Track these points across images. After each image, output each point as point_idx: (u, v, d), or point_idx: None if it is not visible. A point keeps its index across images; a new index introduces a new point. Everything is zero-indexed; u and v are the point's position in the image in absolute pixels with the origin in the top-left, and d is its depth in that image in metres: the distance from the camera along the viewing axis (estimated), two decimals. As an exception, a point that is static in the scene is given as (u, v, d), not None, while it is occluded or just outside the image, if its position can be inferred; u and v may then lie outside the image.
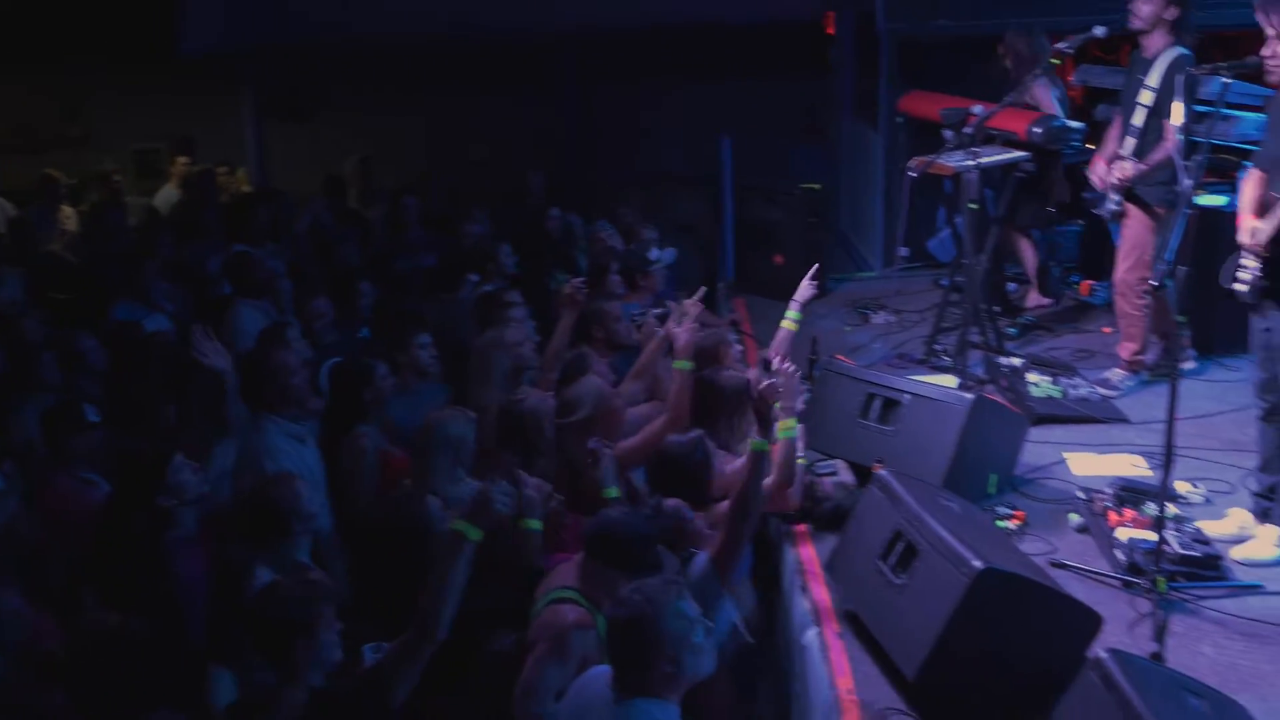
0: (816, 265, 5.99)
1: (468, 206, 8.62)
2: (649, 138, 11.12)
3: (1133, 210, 6.21)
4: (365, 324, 6.62)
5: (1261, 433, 4.88)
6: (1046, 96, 7.17)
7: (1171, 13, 5.94)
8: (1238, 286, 4.56)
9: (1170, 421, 4.28)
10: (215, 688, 3.77)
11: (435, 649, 3.44)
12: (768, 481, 4.47)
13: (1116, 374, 6.39)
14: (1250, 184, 4.67)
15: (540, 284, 7.45)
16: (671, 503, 4.24)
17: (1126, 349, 6.42)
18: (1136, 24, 6.00)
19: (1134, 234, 6.23)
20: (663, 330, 5.45)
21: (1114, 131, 6.37)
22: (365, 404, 5.25)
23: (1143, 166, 6.04)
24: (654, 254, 7.29)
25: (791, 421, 4.66)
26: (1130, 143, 6.12)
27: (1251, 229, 4.51)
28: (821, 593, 4.64)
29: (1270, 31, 4.40)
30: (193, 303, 7.10)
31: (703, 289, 5.88)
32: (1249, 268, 4.51)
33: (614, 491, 4.33)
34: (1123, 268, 6.30)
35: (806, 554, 4.94)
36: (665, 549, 3.98)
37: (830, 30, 10.27)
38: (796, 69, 10.53)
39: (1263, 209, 4.52)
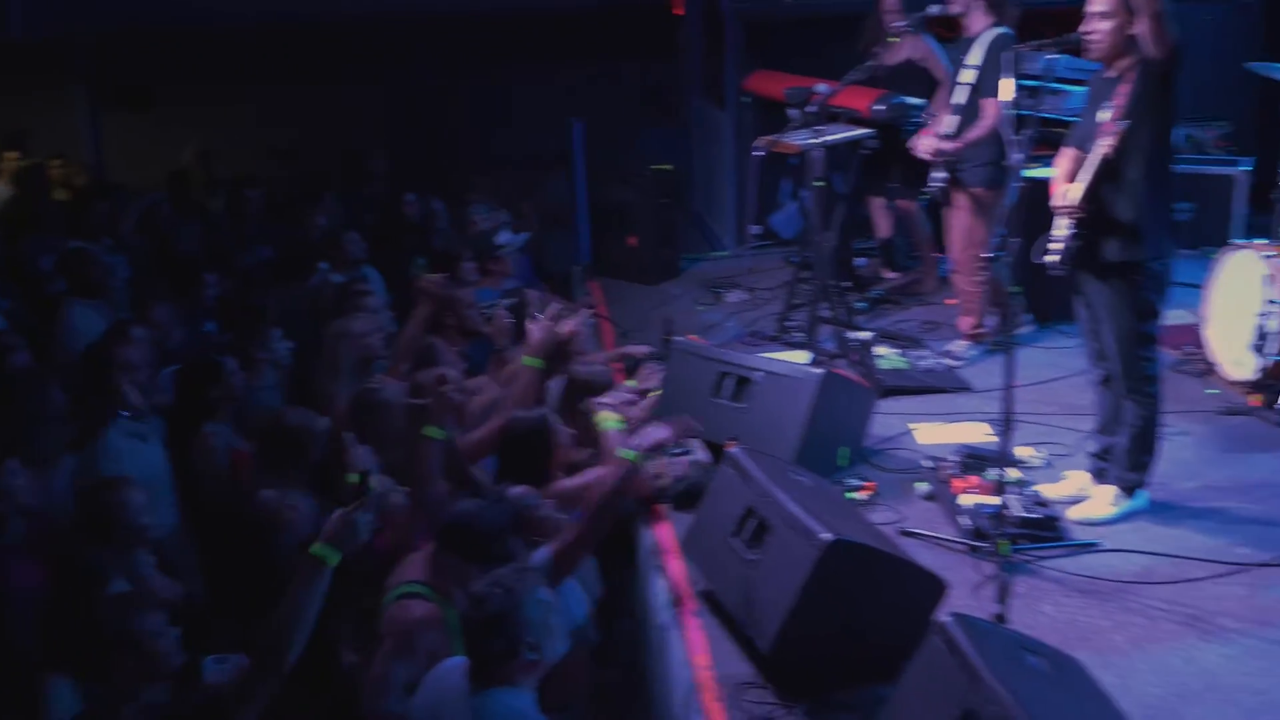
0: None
1: (315, 195, 8.45)
2: (502, 123, 11.03)
3: (959, 190, 6.39)
4: (210, 317, 6.44)
5: (1097, 396, 5.06)
6: (933, 55, 7.31)
7: None
8: (1048, 259, 4.69)
9: (1008, 389, 4.42)
10: (53, 700, 3.63)
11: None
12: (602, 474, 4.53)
13: (959, 345, 6.58)
14: (1063, 158, 4.81)
15: (399, 271, 7.33)
16: (518, 491, 4.22)
17: (966, 322, 6.62)
18: (955, 7, 6.16)
19: (962, 215, 6.41)
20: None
21: (940, 111, 6.53)
22: (213, 401, 5.13)
23: (958, 144, 6.21)
24: (504, 238, 7.23)
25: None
26: (952, 120, 6.29)
27: (1064, 191, 4.66)
28: (678, 572, 4.66)
29: (1091, 9, 4.54)
30: (25, 301, 6.82)
31: (555, 305, 5.87)
32: (1059, 236, 4.65)
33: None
34: (957, 247, 6.49)
35: (663, 534, 4.96)
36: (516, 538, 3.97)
37: (678, 11, 10.32)
38: (647, 50, 10.56)
39: (1073, 179, 4.66)
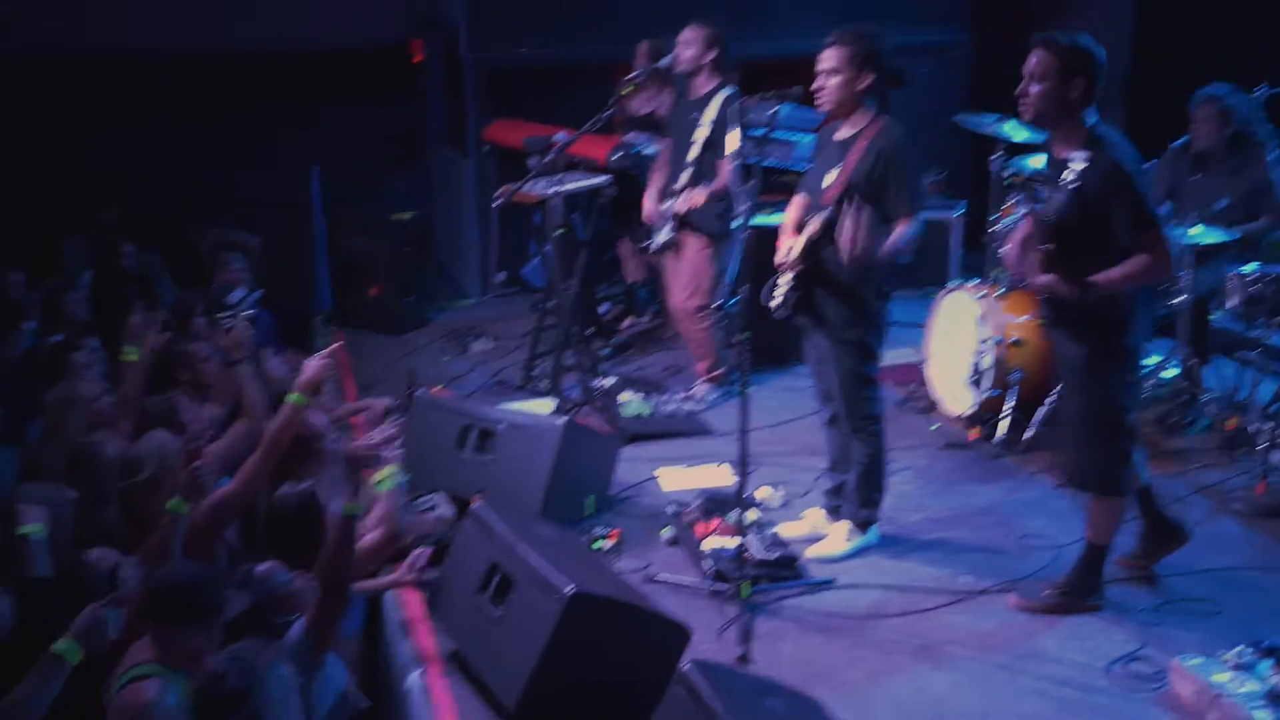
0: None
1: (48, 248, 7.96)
2: (238, 168, 10.65)
3: (688, 240, 6.51)
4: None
5: (828, 436, 5.24)
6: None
7: (711, 55, 6.33)
8: (773, 304, 4.87)
9: (744, 432, 4.54)
10: None
11: None
12: (373, 537, 4.39)
13: (700, 389, 6.71)
14: (793, 207, 4.99)
15: (119, 326, 6.92)
16: (263, 567, 4.06)
17: (702, 366, 6.75)
18: (681, 66, 6.35)
19: (691, 262, 6.54)
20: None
21: (661, 168, 6.68)
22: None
23: (688, 204, 6.39)
24: (239, 294, 6.96)
25: (389, 470, 4.56)
26: (685, 176, 6.43)
27: (787, 248, 4.83)
28: (424, 634, 4.56)
29: (820, 65, 4.73)
30: None
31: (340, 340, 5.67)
32: (782, 285, 4.83)
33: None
34: (681, 296, 6.60)
35: (409, 595, 4.86)
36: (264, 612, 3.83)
37: (418, 58, 10.24)
38: (389, 96, 10.41)
39: (800, 230, 4.84)
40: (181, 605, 3.57)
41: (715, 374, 6.69)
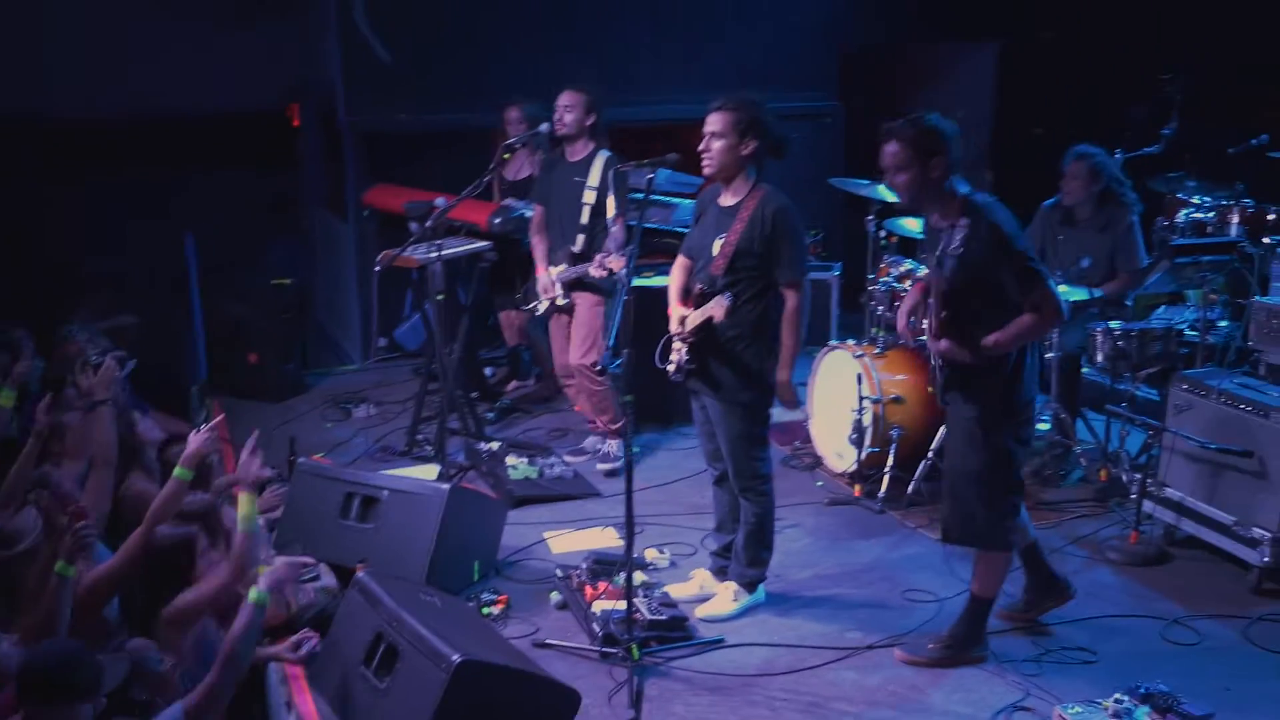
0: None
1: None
2: (110, 236, 10.40)
3: (582, 298, 6.54)
4: None
5: (715, 496, 5.27)
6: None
7: (591, 119, 6.42)
8: (669, 367, 4.93)
9: (629, 493, 4.54)
10: None
11: None
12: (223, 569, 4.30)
13: (612, 445, 6.70)
14: (677, 271, 5.05)
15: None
16: (135, 643, 3.92)
17: (604, 421, 6.72)
18: (563, 130, 6.41)
19: (586, 320, 6.54)
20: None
21: (540, 232, 6.72)
22: None
23: (620, 263, 6.32)
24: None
25: (248, 502, 4.47)
26: (580, 239, 6.47)
27: (680, 317, 4.89)
28: (308, 708, 4.44)
29: (706, 128, 4.81)
30: None
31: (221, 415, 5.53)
32: (677, 351, 4.88)
33: None
34: (579, 353, 6.60)
35: (291, 667, 4.73)
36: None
37: (295, 123, 10.15)
38: (267, 161, 10.30)
39: (688, 294, 4.91)
40: (63, 686, 3.42)
41: (618, 426, 6.67)
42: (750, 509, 5.03)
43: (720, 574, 5.22)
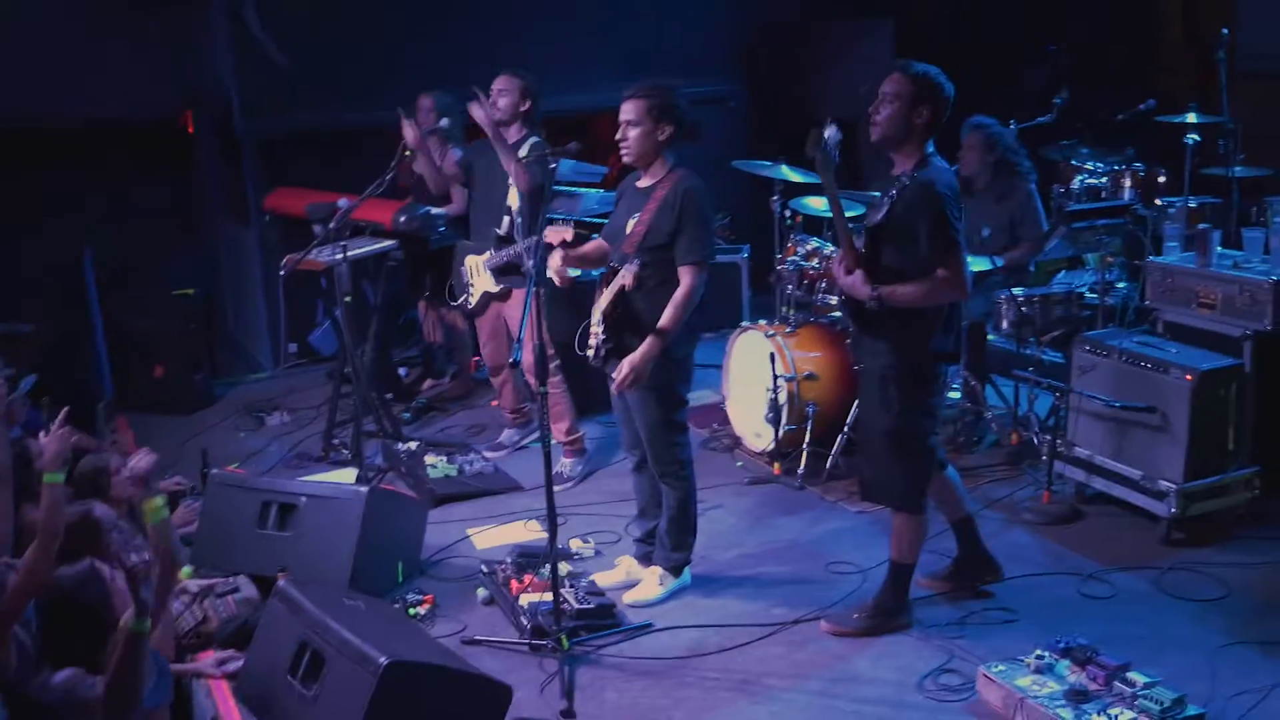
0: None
1: None
2: (4, 250, 10.13)
3: (518, 293, 6.36)
4: None
5: (636, 483, 5.28)
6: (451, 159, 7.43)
7: (527, 104, 6.35)
8: (587, 352, 4.93)
9: (549, 485, 4.54)
10: None
11: None
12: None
13: (566, 463, 6.53)
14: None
15: None
16: (62, 676, 3.83)
17: (559, 432, 6.47)
18: (497, 114, 6.30)
19: (520, 315, 6.36)
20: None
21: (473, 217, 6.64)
22: None
23: (558, 260, 6.25)
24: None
25: (156, 501, 4.36)
26: (505, 220, 6.34)
27: (598, 302, 4.88)
28: (235, 721, 4.39)
29: (622, 116, 4.82)
30: None
31: (66, 408, 5.36)
32: (595, 334, 4.88)
33: None
34: (526, 349, 6.49)
35: (216, 683, 4.66)
36: None
37: (191, 129, 9.96)
38: (164, 170, 10.09)
39: (608, 277, 4.89)
40: None
41: (574, 437, 6.58)
42: (671, 494, 5.04)
43: (645, 560, 5.23)
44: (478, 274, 6.51)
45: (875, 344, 4.53)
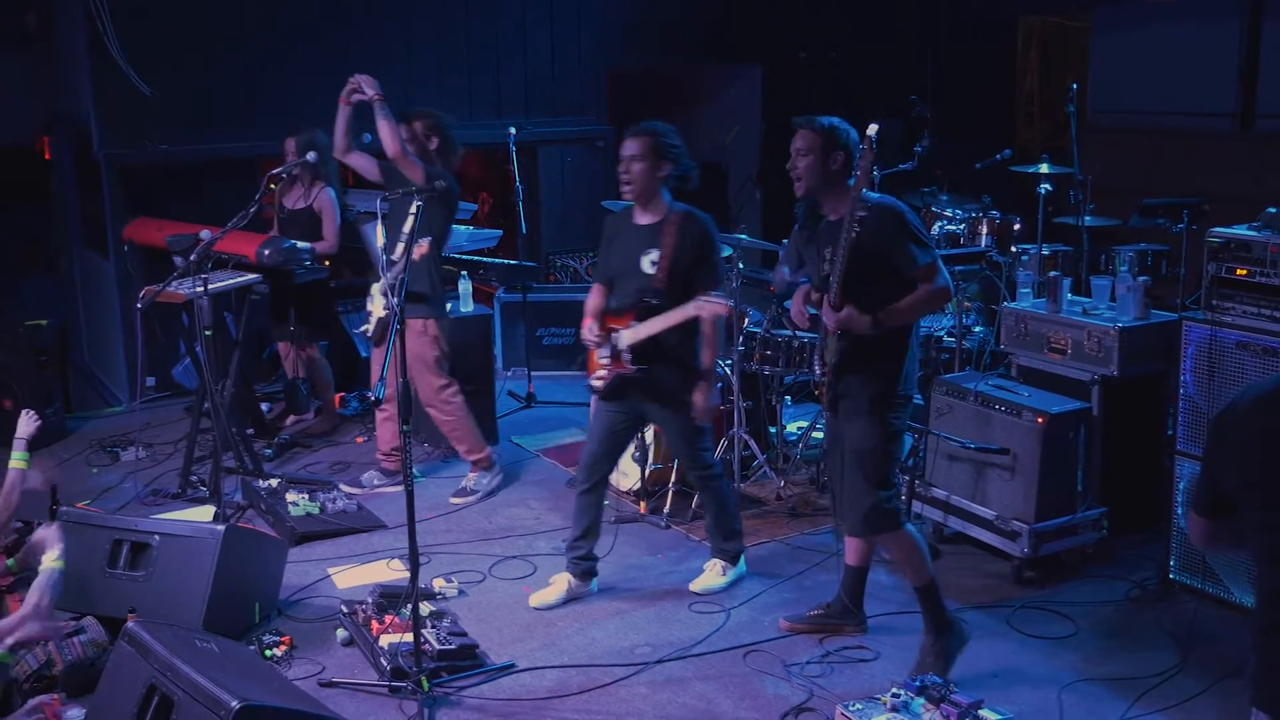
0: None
1: None
2: None
3: (411, 323, 6.22)
4: None
5: (581, 505, 5.38)
6: (330, 205, 7.40)
7: (434, 143, 6.33)
8: (594, 383, 5.30)
9: (412, 523, 4.49)
10: None
11: None
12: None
13: (470, 478, 6.58)
14: (594, 294, 5.39)
15: None
16: None
17: (464, 452, 6.60)
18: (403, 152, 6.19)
19: (414, 347, 6.26)
20: None
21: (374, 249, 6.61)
22: None
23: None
24: None
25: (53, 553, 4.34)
26: (399, 247, 6.10)
27: (626, 333, 5.16)
28: (77, 769, 4.22)
29: (624, 151, 5.13)
30: None
31: None
32: (605, 365, 5.21)
33: None
34: (432, 384, 6.46)
35: (56, 728, 4.48)
36: None
37: (47, 155, 9.69)
38: (19, 197, 9.78)
39: (601, 314, 5.27)
40: None
41: (481, 456, 6.55)
42: (709, 495, 5.46)
43: (585, 576, 5.41)
44: (376, 301, 6.44)
45: (867, 372, 4.57)
